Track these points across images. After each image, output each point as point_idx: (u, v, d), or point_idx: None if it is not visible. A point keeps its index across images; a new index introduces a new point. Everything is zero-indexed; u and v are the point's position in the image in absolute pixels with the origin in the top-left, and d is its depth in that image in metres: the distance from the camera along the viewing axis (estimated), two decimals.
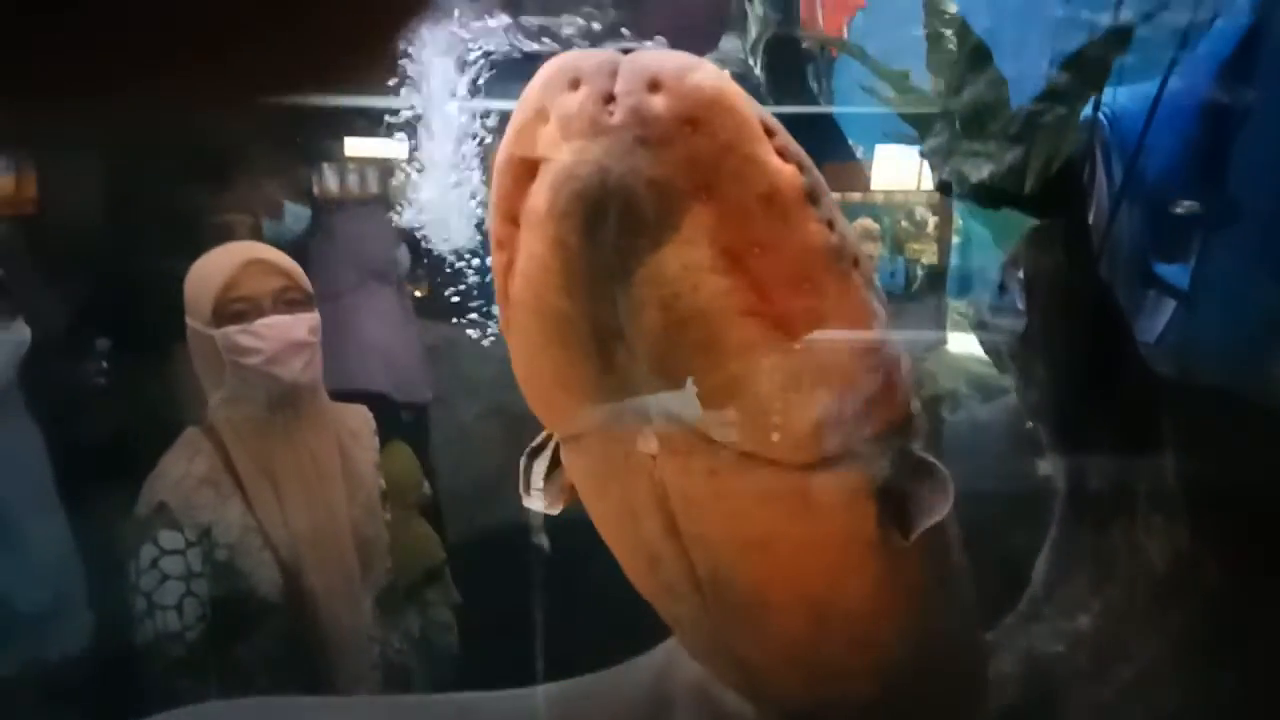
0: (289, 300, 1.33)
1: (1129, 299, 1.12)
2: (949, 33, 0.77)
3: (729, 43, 2.37)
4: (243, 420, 1.35)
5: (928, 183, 2.56)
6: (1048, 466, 0.77)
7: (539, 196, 0.54)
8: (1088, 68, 0.73)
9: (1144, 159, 1.13)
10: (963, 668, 0.73)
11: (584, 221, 0.52)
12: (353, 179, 2.25)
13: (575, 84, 0.53)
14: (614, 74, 0.52)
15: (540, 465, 0.71)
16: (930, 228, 2.50)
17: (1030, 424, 0.82)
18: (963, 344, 2.01)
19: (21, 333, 1.43)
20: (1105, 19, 1.06)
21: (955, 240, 2.11)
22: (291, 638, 1.34)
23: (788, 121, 0.59)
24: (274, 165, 2.16)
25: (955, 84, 0.77)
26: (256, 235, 2.01)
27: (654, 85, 0.51)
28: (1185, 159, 1.12)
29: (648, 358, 0.55)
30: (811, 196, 0.56)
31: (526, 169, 0.55)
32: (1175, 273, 1.10)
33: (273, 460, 1.35)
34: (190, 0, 0.28)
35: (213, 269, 1.32)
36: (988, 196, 0.72)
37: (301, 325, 1.33)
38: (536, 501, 0.71)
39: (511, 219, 0.58)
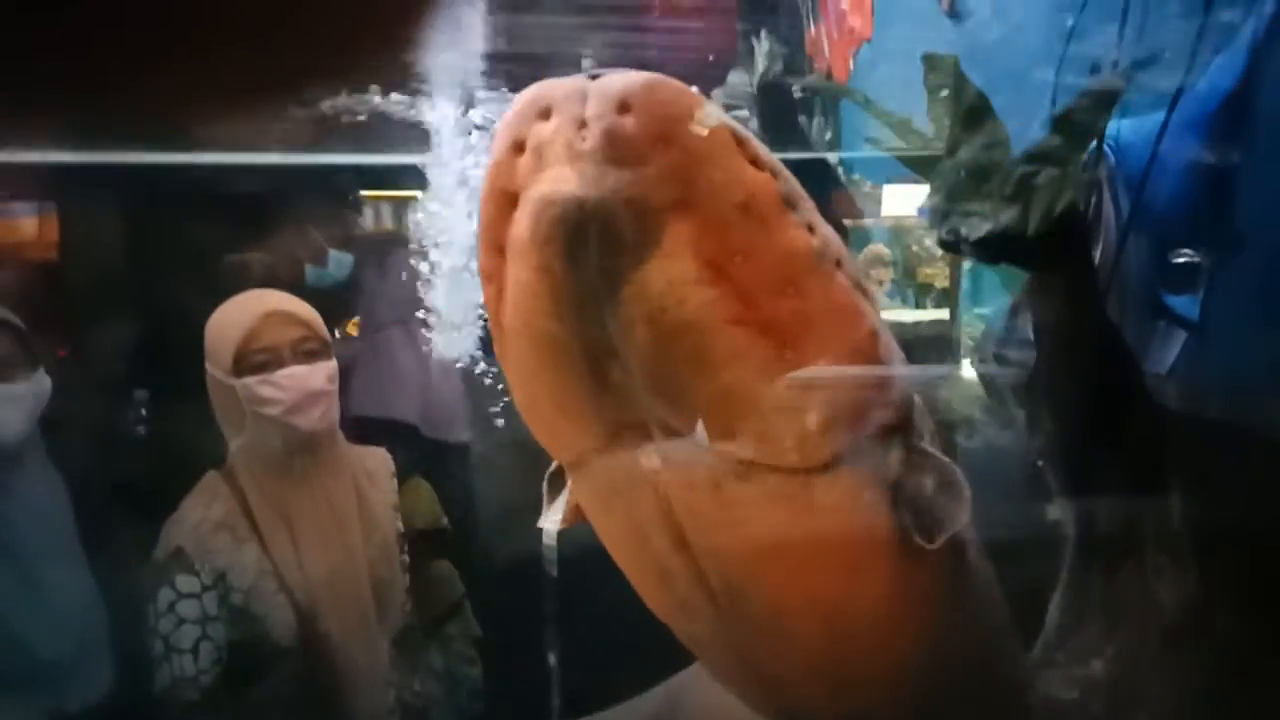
0: (308, 350, 1.37)
1: (1139, 330, 1.12)
2: (944, 91, 0.78)
3: (737, 77, 2.41)
4: (261, 465, 1.37)
5: None
6: (1056, 510, 0.77)
7: (521, 225, 0.56)
8: (1076, 130, 0.74)
9: (1151, 190, 1.14)
10: (999, 679, 0.71)
11: (566, 245, 0.54)
12: (392, 221, 2.32)
13: (547, 113, 0.55)
14: (584, 99, 0.54)
15: (553, 488, 0.71)
16: (940, 254, 2.50)
17: (1039, 463, 0.83)
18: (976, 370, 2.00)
19: (43, 384, 1.46)
20: (1110, 56, 1.07)
21: (966, 265, 2.11)
22: (308, 681, 1.36)
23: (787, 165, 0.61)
24: (317, 211, 2.22)
25: (952, 142, 0.78)
26: (299, 280, 2.07)
27: (623, 107, 0.53)
28: (1193, 189, 1.12)
29: (641, 373, 0.56)
30: (789, 201, 0.58)
31: (508, 200, 0.57)
32: (1185, 303, 1.10)
33: (289, 505, 1.38)
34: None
35: (233, 320, 1.36)
36: (985, 254, 0.73)
37: (320, 374, 1.37)
38: (548, 521, 0.72)
39: (497, 249, 0.59)
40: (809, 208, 0.60)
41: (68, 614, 1.46)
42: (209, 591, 1.33)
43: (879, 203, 2.39)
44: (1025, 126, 1.09)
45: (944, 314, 2.42)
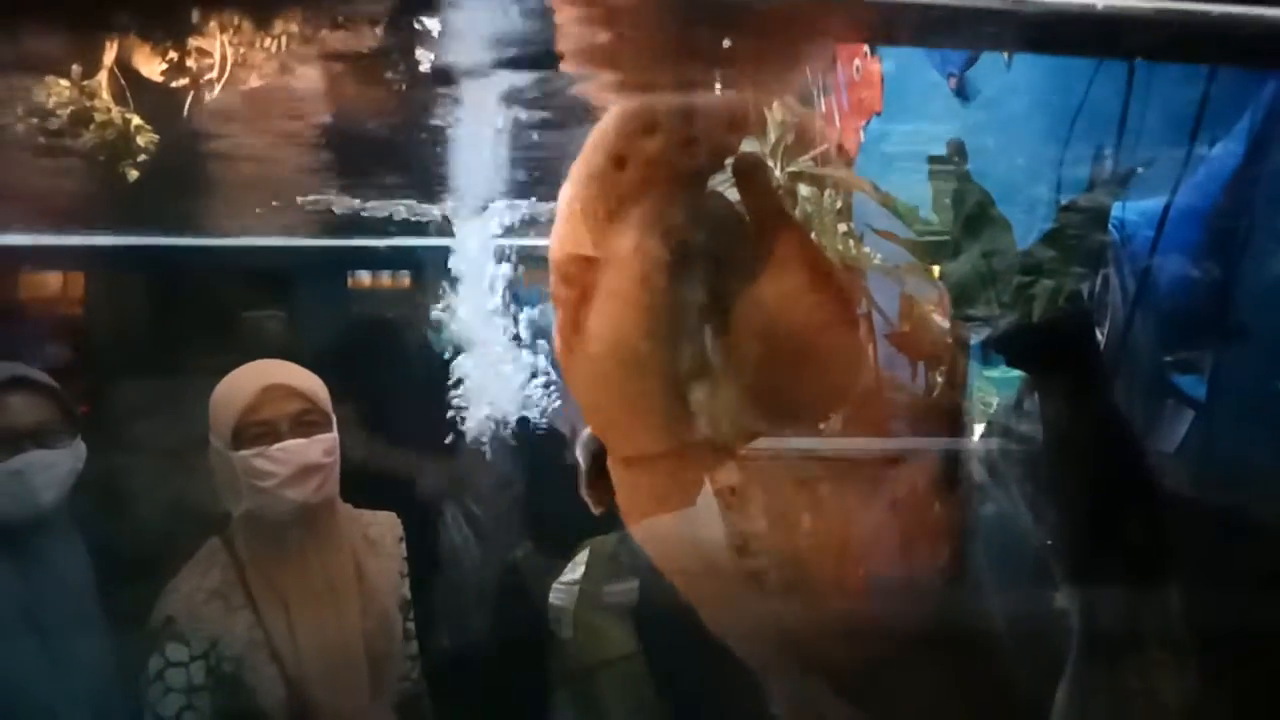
0: (307, 423, 1.39)
1: (1146, 409, 1.15)
2: (948, 196, 0.83)
3: (749, 145, 2.49)
4: (257, 536, 1.39)
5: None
6: (1062, 600, 0.79)
7: (625, 238, 0.56)
8: (1069, 242, 0.78)
9: (1156, 271, 1.18)
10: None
11: (675, 263, 0.54)
12: None
13: (652, 129, 0.56)
14: (691, 117, 0.55)
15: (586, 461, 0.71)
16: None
17: (1048, 543, 0.85)
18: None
19: (79, 450, 1.47)
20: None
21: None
22: None
23: None
24: None
25: (954, 246, 0.82)
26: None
27: (733, 125, 0.55)
28: (1195, 274, 1.16)
29: (744, 385, 0.56)
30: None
31: (605, 212, 0.58)
32: (1191, 383, 1.13)
33: (284, 576, 1.39)
34: None
35: (234, 392, 1.39)
36: (986, 358, 0.77)
37: (317, 448, 1.39)
38: (587, 498, 0.72)
39: (583, 256, 0.59)
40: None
41: (89, 685, 1.46)
42: (197, 661, 1.34)
43: (900, 281, 2.42)
44: (1030, 216, 1.14)
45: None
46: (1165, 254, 1.16)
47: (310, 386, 1.42)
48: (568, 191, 0.62)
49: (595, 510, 0.73)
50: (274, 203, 2.01)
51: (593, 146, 0.60)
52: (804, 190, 2.33)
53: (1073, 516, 0.79)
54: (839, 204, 2.37)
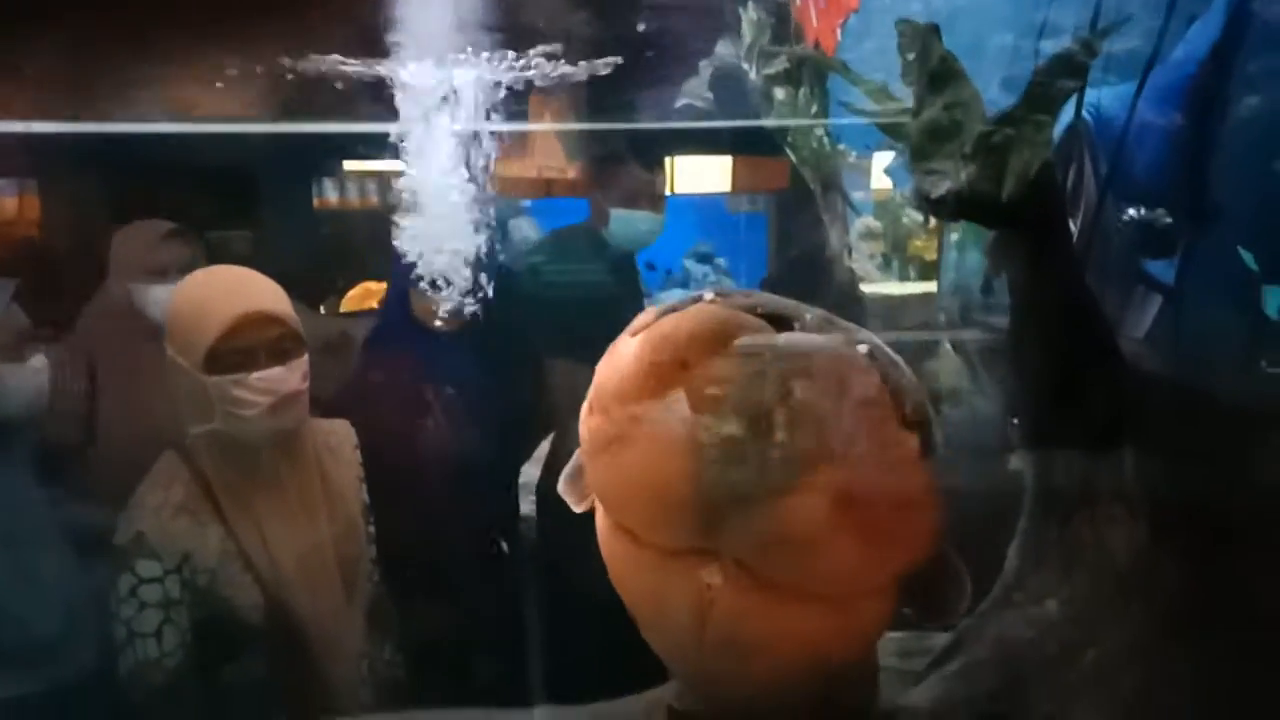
0: (283, 349, 1.38)
1: (1117, 296, 1.19)
2: (912, 54, 0.83)
3: (724, 47, 2.46)
4: (224, 455, 1.39)
5: None
6: (1018, 461, 0.83)
7: (680, 404, 0.59)
8: (1041, 95, 0.79)
9: (1128, 157, 1.20)
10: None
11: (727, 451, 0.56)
12: None
13: (724, 349, 0.57)
14: (765, 365, 0.56)
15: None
16: (931, 225, 2.58)
17: (1013, 420, 0.89)
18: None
19: (43, 362, 1.49)
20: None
21: (953, 237, 2.19)
22: (281, 659, 1.40)
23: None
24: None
25: (918, 103, 0.83)
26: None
27: (804, 372, 0.57)
28: (1169, 156, 1.19)
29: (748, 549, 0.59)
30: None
31: (661, 385, 0.60)
32: (1161, 268, 1.17)
33: (254, 492, 1.41)
34: None
35: (207, 316, 1.35)
36: (946, 211, 0.79)
37: (295, 375, 1.38)
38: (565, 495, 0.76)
39: (629, 401, 0.62)
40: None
41: (56, 596, 1.51)
42: (171, 575, 1.36)
43: (867, 174, 2.45)
44: (1006, 91, 1.15)
45: (931, 287, 2.51)
46: (1139, 134, 1.18)
47: (285, 309, 1.40)
48: (631, 361, 0.64)
49: (576, 509, 0.76)
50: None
51: (658, 337, 0.62)
52: (779, 94, 2.34)
53: (1033, 377, 0.83)
54: (814, 107, 2.37)
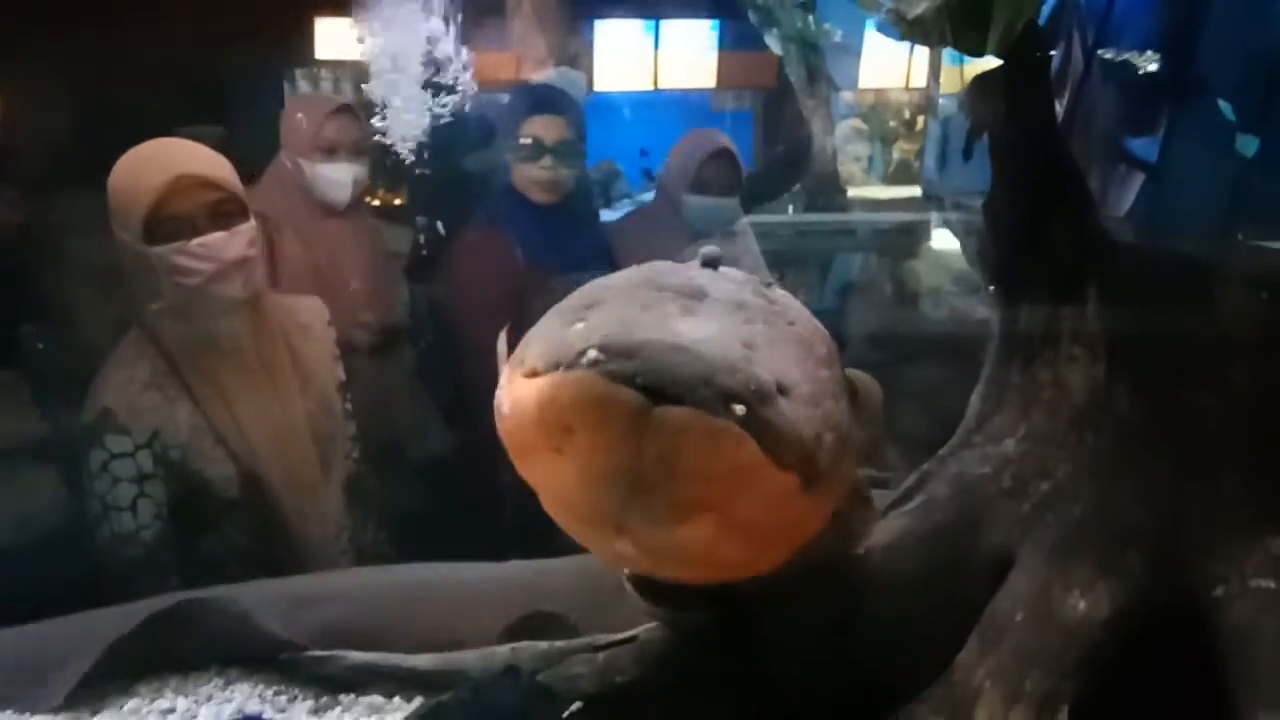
0: (224, 214, 1.35)
1: (1100, 173, 1.19)
2: None
3: None
4: (184, 330, 1.38)
5: (912, 81, 2.64)
6: (984, 308, 0.86)
7: (570, 460, 0.66)
8: None
9: (1114, 30, 1.19)
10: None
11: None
12: None
13: (604, 421, 0.61)
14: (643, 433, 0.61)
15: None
16: (918, 128, 2.58)
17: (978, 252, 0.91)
18: (945, 242, 2.11)
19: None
20: None
21: (934, 139, 2.19)
22: (256, 531, 1.43)
23: None
24: None
25: None
26: None
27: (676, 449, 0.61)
28: (1155, 31, 1.18)
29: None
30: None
31: (550, 439, 0.66)
32: (1144, 145, 1.17)
33: (219, 367, 1.40)
34: None
35: (138, 182, 1.32)
36: (923, 34, 0.78)
37: (239, 240, 1.36)
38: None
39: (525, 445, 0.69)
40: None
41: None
42: (142, 450, 1.37)
43: (856, 55, 2.42)
44: None
45: (915, 191, 2.52)
46: (1126, 9, 1.16)
47: (222, 173, 1.37)
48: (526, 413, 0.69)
49: None
50: None
51: (541, 403, 0.66)
52: None
53: (1005, 226, 0.84)
54: None
